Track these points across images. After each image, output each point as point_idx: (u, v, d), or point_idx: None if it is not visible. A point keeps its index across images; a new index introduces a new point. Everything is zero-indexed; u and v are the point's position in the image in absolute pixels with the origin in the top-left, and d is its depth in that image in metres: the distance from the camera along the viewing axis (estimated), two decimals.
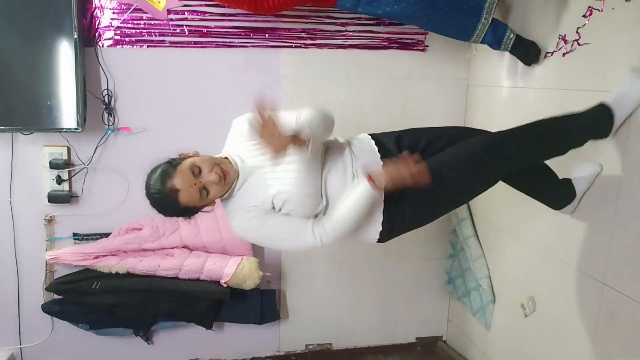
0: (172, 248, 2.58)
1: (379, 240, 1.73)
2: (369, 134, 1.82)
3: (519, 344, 2.46)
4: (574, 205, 2.05)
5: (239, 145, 1.70)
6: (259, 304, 2.75)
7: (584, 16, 2.02)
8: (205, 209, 1.65)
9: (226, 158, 1.65)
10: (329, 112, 1.69)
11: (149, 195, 1.57)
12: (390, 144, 1.76)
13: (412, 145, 1.76)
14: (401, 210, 1.67)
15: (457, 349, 3.02)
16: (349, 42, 2.68)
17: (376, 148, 1.74)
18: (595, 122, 1.84)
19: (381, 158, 1.70)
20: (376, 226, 1.67)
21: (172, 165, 1.55)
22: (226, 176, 1.57)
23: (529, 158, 1.83)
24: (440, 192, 1.67)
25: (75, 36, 2.26)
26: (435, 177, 1.57)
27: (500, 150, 1.72)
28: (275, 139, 1.47)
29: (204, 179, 1.54)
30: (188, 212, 1.61)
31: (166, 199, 1.53)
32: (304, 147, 1.54)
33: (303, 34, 2.62)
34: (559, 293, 2.20)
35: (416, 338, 3.12)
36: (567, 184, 2.03)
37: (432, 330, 3.14)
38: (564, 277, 2.15)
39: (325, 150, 1.71)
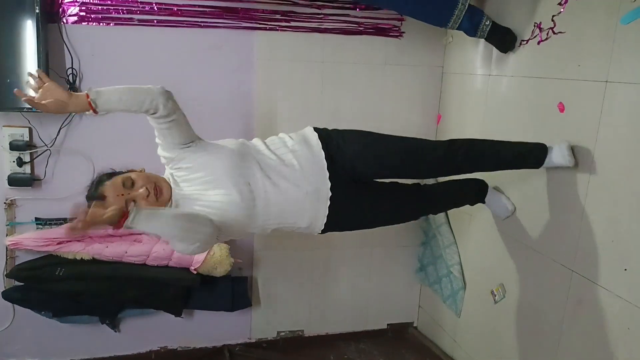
0: (140, 234, 2.51)
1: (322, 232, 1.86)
2: (319, 137, 1.84)
3: (489, 330, 2.50)
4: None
5: (170, 171, 1.76)
6: (229, 290, 2.71)
7: (559, 4, 2.02)
8: None
9: (165, 178, 1.74)
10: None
11: (85, 199, 1.68)
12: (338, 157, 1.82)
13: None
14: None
15: (428, 335, 3.05)
16: (325, 25, 2.63)
17: (326, 164, 1.78)
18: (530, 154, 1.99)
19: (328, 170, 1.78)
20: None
21: (110, 175, 1.69)
22: (159, 194, 1.66)
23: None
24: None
25: (38, 11, 2.16)
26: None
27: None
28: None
29: (133, 192, 1.63)
30: None
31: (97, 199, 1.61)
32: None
33: (277, 16, 2.56)
34: (528, 280, 2.23)
35: (387, 324, 3.14)
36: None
37: (403, 317, 3.16)
38: (534, 264, 2.18)
39: (256, 162, 1.72)
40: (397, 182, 2.03)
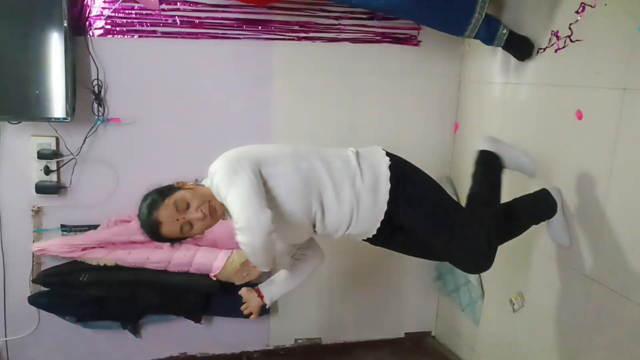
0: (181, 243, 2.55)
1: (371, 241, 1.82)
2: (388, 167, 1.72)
3: (508, 340, 2.48)
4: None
5: None
6: None
7: (577, 12, 2.02)
8: (198, 237, 1.79)
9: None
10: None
11: (138, 220, 1.64)
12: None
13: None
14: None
15: (446, 344, 3.04)
16: (342, 35, 2.67)
17: (382, 218, 1.70)
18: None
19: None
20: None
21: (162, 196, 1.60)
22: (213, 214, 1.61)
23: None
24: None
25: (65, 25, 2.22)
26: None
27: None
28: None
29: (188, 215, 1.58)
30: (172, 241, 1.69)
31: (150, 229, 1.61)
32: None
33: (296, 27, 2.61)
34: (547, 288, 2.21)
35: (405, 333, 3.13)
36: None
37: (421, 326, 3.15)
38: (553, 272, 2.17)
39: (319, 202, 1.65)
40: None
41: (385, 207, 1.67)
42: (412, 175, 1.76)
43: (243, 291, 1.92)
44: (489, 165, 1.98)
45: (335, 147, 1.78)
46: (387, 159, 1.72)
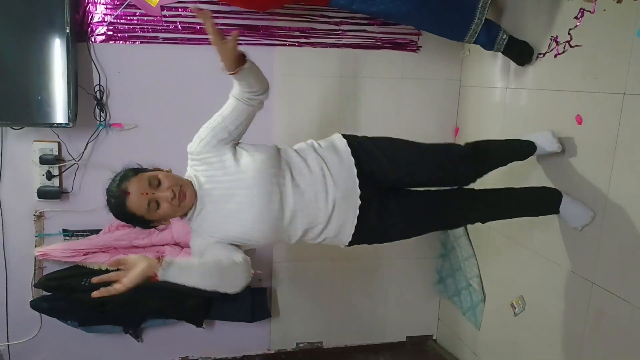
0: (163, 245, 2.56)
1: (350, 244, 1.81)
2: (347, 143, 1.80)
3: (509, 343, 2.48)
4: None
5: (198, 171, 1.70)
6: (249, 302, 2.75)
7: (576, 17, 2.04)
8: (159, 227, 1.68)
9: (190, 182, 1.66)
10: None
11: (105, 192, 1.60)
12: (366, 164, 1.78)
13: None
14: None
15: (448, 348, 3.04)
16: (343, 41, 2.68)
17: (355, 171, 1.74)
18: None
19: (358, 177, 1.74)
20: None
21: (135, 171, 1.60)
22: (182, 198, 1.59)
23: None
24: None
25: (67, 31, 2.24)
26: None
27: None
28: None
29: (158, 192, 1.56)
30: (135, 220, 1.61)
31: (115, 200, 1.56)
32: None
33: (297, 32, 2.62)
34: (548, 292, 2.22)
35: (406, 337, 3.13)
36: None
37: (423, 329, 3.15)
38: (554, 276, 2.17)
39: (288, 169, 1.69)
40: (432, 190, 1.97)
41: (351, 158, 1.74)
42: (366, 137, 1.87)
43: (132, 256, 1.46)
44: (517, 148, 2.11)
45: None
46: (340, 134, 1.85)
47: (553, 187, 2.11)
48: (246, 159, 1.66)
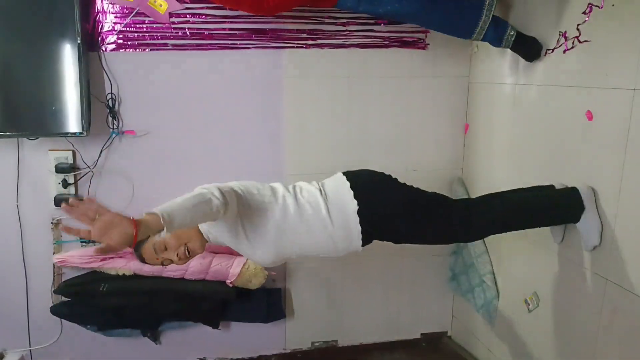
0: None
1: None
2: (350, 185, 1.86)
3: (523, 339, 2.48)
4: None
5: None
6: (264, 302, 2.78)
7: (584, 13, 2.02)
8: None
9: (199, 231, 1.82)
10: (214, 202, 1.56)
11: None
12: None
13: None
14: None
15: (462, 345, 3.05)
16: (350, 41, 2.69)
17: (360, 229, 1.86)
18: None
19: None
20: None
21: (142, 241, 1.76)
22: (191, 255, 1.81)
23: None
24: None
25: (79, 41, 2.27)
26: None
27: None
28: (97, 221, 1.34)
29: (165, 255, 1.78)
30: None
31: (140, 260, 1.83)
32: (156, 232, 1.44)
33: (304, 34, 2.63)
34: (562, 288, 2.22)
35: (421, 334, 3.15)
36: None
37: (437, 326, 3.16)
38: (567, 272, 2.17)
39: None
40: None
41: (360, 237, 1.87)
42: (378, 193, 1.89)
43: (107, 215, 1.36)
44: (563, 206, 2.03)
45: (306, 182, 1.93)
46: (352, 193, 1.83)
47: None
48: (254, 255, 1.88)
